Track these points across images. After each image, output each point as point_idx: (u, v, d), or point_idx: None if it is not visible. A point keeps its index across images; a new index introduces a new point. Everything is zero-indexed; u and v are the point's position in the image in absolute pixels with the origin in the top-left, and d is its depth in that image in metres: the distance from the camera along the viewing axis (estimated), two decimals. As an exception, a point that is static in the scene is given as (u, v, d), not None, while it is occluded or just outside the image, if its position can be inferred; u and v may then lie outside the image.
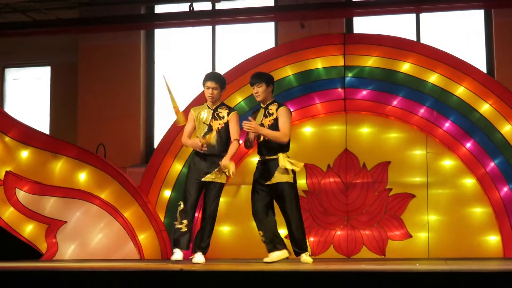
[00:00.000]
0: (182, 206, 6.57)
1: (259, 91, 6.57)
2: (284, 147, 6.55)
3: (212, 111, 6.66)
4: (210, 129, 6.60)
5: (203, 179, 6.55)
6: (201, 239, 6.56)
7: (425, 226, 7.98)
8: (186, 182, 6.66)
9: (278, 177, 6.46)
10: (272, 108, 6.55)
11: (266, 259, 6.42)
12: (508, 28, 9.54)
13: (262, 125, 6.53)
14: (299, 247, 6.51)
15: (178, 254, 6.47)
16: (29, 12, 10.44)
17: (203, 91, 6.74)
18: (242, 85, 7.94)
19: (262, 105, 6.65)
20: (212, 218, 6.61)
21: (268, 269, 5.03)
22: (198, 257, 6.47)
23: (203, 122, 6.63)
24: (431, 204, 8.00)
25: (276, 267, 5.61)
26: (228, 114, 6.65)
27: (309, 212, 8.13)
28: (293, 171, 6.51)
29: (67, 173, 8.01)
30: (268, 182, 6.49)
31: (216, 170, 6.55)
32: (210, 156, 6.55)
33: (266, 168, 6.53)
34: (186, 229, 6.51)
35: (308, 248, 6.60)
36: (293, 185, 6.52)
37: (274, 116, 6.51)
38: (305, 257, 6.46)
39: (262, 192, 6.54)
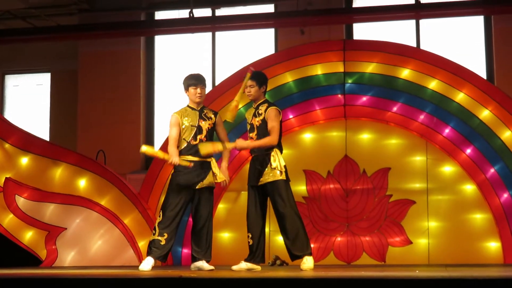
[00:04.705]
0: (161, 217, 6.47)
1: (251, 90, 6.58)
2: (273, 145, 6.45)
3: (198, 112, 6.64)
4: (200, 130, 6.55)
5: (197, 187, 6.50)
6: (206, 244, 6.52)
7: (425, 232, 7.97)
8: (169, 193, 6.53)
9: (268, 176, 6.38)
10: (262, 108, 6.53)
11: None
12: (508, 34, 9.55)
13: (251, 125, 6.52)
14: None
15: (148, 264, 6.35)
16: (30, 18, 10.47)
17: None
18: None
19: (253, 104, 6.65)
20: (211, 221, 6.61)
21: (268, 276, 5.02)
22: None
23: (191, 125, 6.57)
24: (431, 210, 7.99)
25: (277, 274, 5.61)
26: (214, 115, 6.66)
27: (309, 218, 8.12)
28: (285, 168, 6.44)
29: (67, 180, 8.01)
30: (260, 183, 6.43)
31: (209, 174, 6.52)
32: (200, 162, 6.51)
33: (256, 167, 6.47)
34: (165, 242, 6.42)
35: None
36: (284, 182, 6.38)
37: (263, 116, 6.48)
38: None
39: (253, 193, 6.51)
